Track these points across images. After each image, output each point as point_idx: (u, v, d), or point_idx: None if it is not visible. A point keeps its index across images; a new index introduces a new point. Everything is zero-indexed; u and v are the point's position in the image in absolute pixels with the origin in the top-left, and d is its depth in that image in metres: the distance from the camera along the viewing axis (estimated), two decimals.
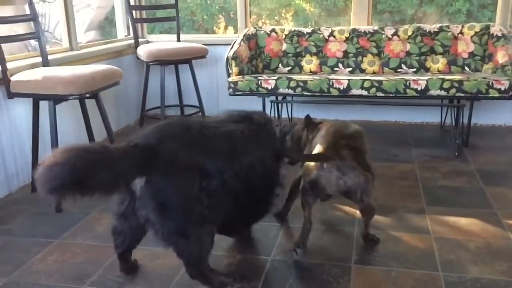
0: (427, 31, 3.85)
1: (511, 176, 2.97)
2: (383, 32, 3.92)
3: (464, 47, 3.77)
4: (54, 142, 2.62)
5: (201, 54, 4.01)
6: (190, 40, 4.31)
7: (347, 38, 3.98)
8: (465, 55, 3.77)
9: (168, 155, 1.61)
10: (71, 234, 2.35)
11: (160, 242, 1.73)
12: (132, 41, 4.25)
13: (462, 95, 3.31)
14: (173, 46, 3.99)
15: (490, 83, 3.24)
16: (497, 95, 3.25)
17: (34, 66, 2.97)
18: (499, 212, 2.45)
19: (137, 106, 4.33)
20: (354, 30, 3.98)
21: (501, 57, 3.51)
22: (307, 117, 2.38)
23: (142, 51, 3.92)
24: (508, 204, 2.56)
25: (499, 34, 3.65)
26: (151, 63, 3.91)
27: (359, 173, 1.93)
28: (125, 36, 4.51)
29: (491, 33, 3.71)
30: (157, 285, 1.90)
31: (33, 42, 4.60)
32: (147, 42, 4.50)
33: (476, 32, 3.75)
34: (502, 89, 3.24)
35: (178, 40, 4.35)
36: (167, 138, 1.66)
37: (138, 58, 4.09)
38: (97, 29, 6.42)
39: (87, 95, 2.62)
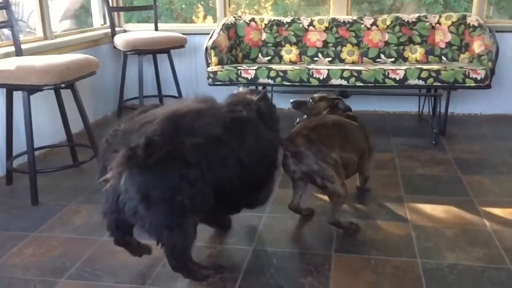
0: (405, 21, 3.87)
1: (487, 164, 3.02)
2: (362, 22, 3.93)
3: (442, 37, 3.81)
4: (29, 134, 2.56)
5: (180, 44, 3.96)
6: (168, 30, 4.25)
7: (326, 28, 3.98)
8: (443, 45, 3.80)
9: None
10: (48, 227, 2.31)
11: (146, 234, 1.72)
12: (109, 30, 4.16)
13: (440, 84, 3.34)
14: (151, 36, 3.93)
15: (467, 73, 3.28)
16: (473, 84, 3.29)
17: (7, 55, 2.89)
18: (476, 199, 2.50)
19: (114, 97, 4.26)
20: (333, 20, 3.98)
21: (477, 47, 3.55)
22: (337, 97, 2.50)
23: (119, 41, 3.85)
24: (484, 191, 2.61)
25: (476, 24, 3.69)
26: (128, 53, 3.84)
27: (313, 161, 2.06)
28: (102, 25, 4.42)
29: (467, 23, 3.75)
30: (138, 277, 1.88)
31: (6, 31, 4.48)
32: (124, 31, 4.42)
33: (453, 22, 3.79)
34: (478, 78, 3.28)
35: (156, 29, 4.28)
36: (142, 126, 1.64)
37: (115, 47, 4.01)
38: (72, 18, 6.29)
39: (63, 85, 2.56)
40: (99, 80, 3.98)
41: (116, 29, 4.22)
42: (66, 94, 2.84)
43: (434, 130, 3.44)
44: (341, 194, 2.11)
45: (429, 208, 2.41)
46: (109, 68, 4.25)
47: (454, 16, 3.80)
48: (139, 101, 3.91)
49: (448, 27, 3.79)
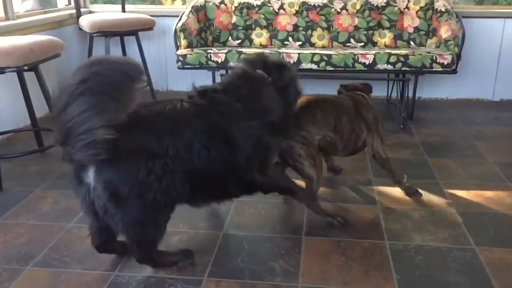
0: (375, 5, 3.89)
1: (452, 148, 3.10)
2: (332, 6, 3.93)
3: (410, 22, 3.85)
4: None
5: (148, 26, 3.87)
6: (136, 11, 4.15)
7: (297, 12, 3.96)
8: (411, 30, 3.85)
9: (109, 140, 1.52)
10: (13, 213, 2.25)
11: (119, 232, 1.70)
12: (74, 11, 4.04)
13: (408, 69, 3.39)
14: (118, 17, 3.83)
15: (434, 58, 3.34)
16: (440, 69, 3.35)
17: None
18: (441, 182, 2.56)
19: None
20: (304, 3, 3.96)
21: (444, 32, 3.61)
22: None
23: (85, 22, 3.73)
24: (449, 174, 2.67)
25: (443, 10, 3.74)
26: (94, 35, 3.73)
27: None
28: (66, 5, 4.27)
29: (435, 8, 3.80)
30: (106, 264, 1.85)
31: None
32: (90, 12, 4.29)
33: (421, 7, 3.83)
34: (445, 63, 3.34)
35: (123, 11, 4.17)
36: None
37: (80, 29, 3.90)
38: None
39: (25, 67, 2.47)
40: (64, 62, 3.85)
41: (82, 10, 4.10)
42: (30, 77, 2.75)
43: (402, 114, 3.49)
44: (311, 176, 2.10)
45: (397, 191, 2.45)
46: (74, 50, 4.12)
47: (422, 1, 3.84)
48: None
49: (416, 12, 3.84)
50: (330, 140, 2.18)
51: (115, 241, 1.86)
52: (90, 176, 1.59)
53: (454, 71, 3.40)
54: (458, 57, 3.42)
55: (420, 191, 2.43)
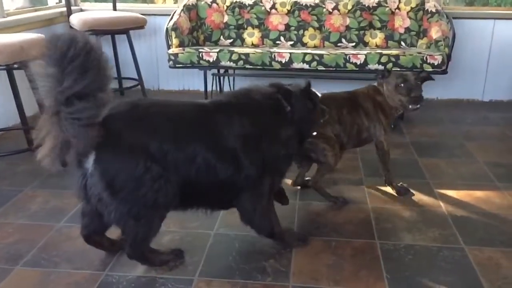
0: (366, 5, 3.91)
1: (442, 148, 3.12)
2: (323, 6, 3.94)
3: (401, 22, 3.87)
4: None
5: (139, 25, 3.86)
6: (127, 10, 4.13)
7: (288, 11, 3.96)
8: (402, 30, 3.87)
9: (114, 133, 1.57)
10: (2, 213, 2.23)
11: (111, 223, 1.69)
12: (64, 9, 4.01)
13: (399, 69, 3.40)
14: (109, 16, 3.81)
15: (425, 58, 3.36)
16: (430, 69, 3.37)
17: None
18: (432, 182, 2.58)
19: None
20: (295, 3, 3.96)
21: (435, 33, 3.63)
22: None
23: (76, 20, 3.71)
24: (439, 174, 2.69)
25: (433, 10, 3.77)
26: (85, 33, 3.71)
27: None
28: (57, 3, 4.25)
29: (426, 9, 3.83)
30: (96, 264, 1.84)
31: None
32: (81, 10, 4.26)
33: (412, 8, 3.85)
34: (436, 63, 3.36)
35: (114, 9, 4.15)
36: (115, 115, 1.61)
37: (71, 27, 3.87)
38: None
39: (15, 65, 2.46)
40: None
41: (72, 8, 4.08)
42: (20, 75, 2.72)
43: None
44: (330, 163, 2.27)
45: (387, 191, 2.46)
46: None
47: (413, 2, 3.86)
48: None
49: (407, 12, 3.86)
50: (337, 133, 2.29)
51: (104, 236, 1.86)
52: (90, 161, 1.59)
53: (445, 72, 3.43)
54: (448, 57, 3.44)
55: (411, 190, 2.45)
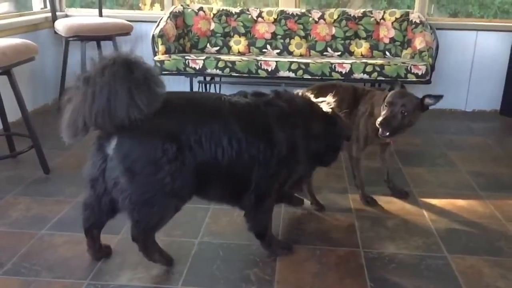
0: (352, 15, 3.95)
1: (426, 157, 3.15)
2: (310, 15, 3.97)
3: (386, 33, 3.92)
4: None
5: (125, 31, 3.84)
6: (113, 16, 4.11)
7: (275, 20, 3.99)
8: (386, 40, 3.91)
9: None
10: None
11: (125, 209, 1.68)
12: (49, 14, 3.98)
13: (383, 78, 3.44)
14: (95, 22, 3.79)
15: (409, 68, 3.40)
16: (415, 79, 3.42)
17: None
18: (415, 190, 2.60)
19: (55, 84, 4.09)
20: (282, 12, 3.99)
21: (419, 43, 3.68)
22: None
23: (61, 26, 3.68)
24: (423, 183, 2.72)
25: (418, 21, 3.82)
26: (70, 39, 3.68)
27: None
28: (42, 8, 4.21)
29: (410, 19, 3.88)
30: (78, 273, 1.81)
31: None
32: (66, 16, 4.23)
33: (396, 19, 3.90)
34: (420, 73, 3.41)
35: (100, 15, 4.13)
36: None
37: (56, 32, 3.84)
38: (10, 0, 5.95)
39: None
40: (38, 66, 3.81)
41: (58, 13, 4.04)
42: (2, 80, 2.69)
43: None
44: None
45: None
46: (49, 55, 4.06)
47: (398, 13, 3.91)
48: None
49: (392, 23, 3.91)
50: None
51: (99, 234, 1.87)
52: (111, 146, 1.61)
53: (428, 82, 3.47)
54: (432, 67, 3.49)
55: (394, 199, 2.47)
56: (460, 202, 2.48)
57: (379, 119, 2.16)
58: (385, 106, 2.19)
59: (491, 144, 3.42)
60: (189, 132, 1.65)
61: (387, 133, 2.18)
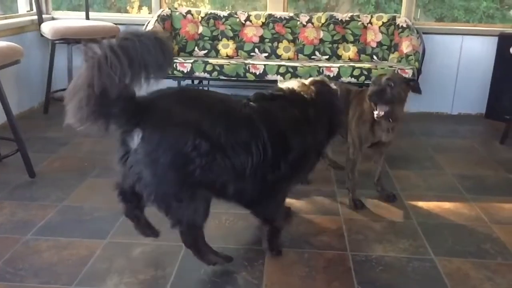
0: (339, 19, 3.97)
1: (413, 160, 3.17)
2: (298, 19, 3.99)
3: (373, 37, 3.94)
4: None
5: (113, 34, 3.81)
6: (101, 19, 4.09)
7: (263, 23, 4.00)
8: (374, 44, 3.94)
9: (164, 109, 1.59)
10: None
11: (151, 204, 1.66)
12: (36, 17, 3.94)
13: (370, 82, 3.45)
14: (81, 24, 3.77)
15: (396, 72, 3.42)
16: None
17: None
18: (402, 193, 2.61)
19: (41, 88, 4.05)
20: (270, 15, 4.00)
21: (405, 47, 3.71)
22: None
23: (47, 28, 3.65)
24: (409, 185, 2.73)
25: (404, 25, 3.86)
26: (57, 42, 3.66)
27: None
28: (28, 11, 4.17)
29: (397, 24, 3.91)
30: (64, 278, 1.79)
31: None
32: (53, 18, 4.20)
33: (383, 23, 3.93)
34: (406, 77, 3.42)
35: (87, 18, 4.11)
36: (164, 95, 1.66)
37: (42, 35, 3.81)
38: None
39: None
40: (24, 69, 3.77)
41: (44, 16, 4.01)
42: None
43: None
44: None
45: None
46: (35, 57, 4.02)
47: (385, 17, 3.95)
48: None
49: (379, 27, 3.93)
50: None
51: (143, 213, 1.87)
52: (135, 138, 1.57)
53: None
54: (418, 71, 3.52)
55: (382, 202, 2.48)
56: (447, 205, 2.50)
57: (368, 93, 2.22)
58: (371, 84, 2.26)
59: (477, 147, 3.46)
60: (219, 133, 1.63)
61: (382, 110, 2.20)
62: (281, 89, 1.96)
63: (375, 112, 2.23)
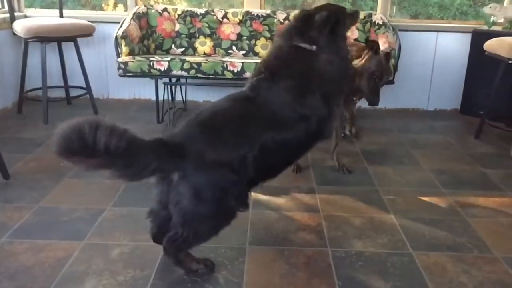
0: None
1: (390, 156, 3.21)
2: (275, 16, 3.99)
3: (349, 34, 3.96)
4: None
5: (87, 32, 3.76)
6: (75, 17, 4.02)
7: (240, 21, 3.98)
8: (350, 41, 3.96)
9: (196, 153, 1.67)
10: None
11: (178, 224, 1.71)
12: (7, 15, 3.85)
13: None
14: (55, 22, 3.69)
15: None
16: None
17: None
18: (380, 189, 2.64)
19: (15, 87, 3.96)
20: (247, 13, 3.99)
21: (382, 44, 3.74)
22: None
23: (20, 27, 3.57)
24: (387, 181, 2.77)
25: (380, 23, 3.89)
26: (30, 40, 3.57)
27: None
28: None
29: (373, 21, 3.95)
30: (41, 281, 1.76)
31: None
32: (25, 16, 4.11)
33: (360, 20, 3.95)
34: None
35: (61, 16, 4.03)
36: (192, 137, 1.72)
37: (14, 34, 3.72)
38: None
39: None
40: None
41: (16, 14, 3.93)
42: None
43: (344, 124, 3.58)
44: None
45: (338, 199, 2.51)
46: (7, 56, 3.93)
47: (361, 14, 3.97)
48: (42, 92, 3.66)
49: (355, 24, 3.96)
50: None
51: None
52: (175, 177, 1.67)
53: (392, 82, 3.54)
54: (395, 68, 3.56)
55: (361, 198, 2.50)
56: (424, 200, 2.53)
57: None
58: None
59: (452, 142, 3.52)
60: (247, 150, 1.74)
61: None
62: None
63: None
